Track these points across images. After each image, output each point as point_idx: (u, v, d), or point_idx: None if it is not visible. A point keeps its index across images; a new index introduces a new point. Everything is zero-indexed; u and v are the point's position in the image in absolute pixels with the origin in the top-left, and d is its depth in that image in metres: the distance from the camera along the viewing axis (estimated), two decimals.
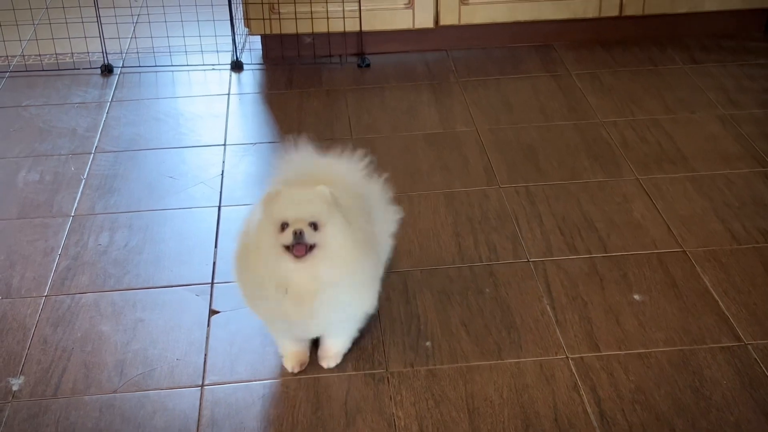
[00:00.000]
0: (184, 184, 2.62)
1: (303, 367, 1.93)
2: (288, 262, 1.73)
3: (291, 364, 1.93)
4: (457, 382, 1.89)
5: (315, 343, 1.97)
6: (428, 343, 2.00)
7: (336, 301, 1.79)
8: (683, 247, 2.27)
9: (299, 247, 1.71)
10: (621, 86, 3.07)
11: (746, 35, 3.34)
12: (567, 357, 1.95)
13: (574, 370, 1.91)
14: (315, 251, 1.73)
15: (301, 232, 1.70)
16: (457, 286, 2.17)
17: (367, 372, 1.93)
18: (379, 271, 1.95)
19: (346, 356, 1.96)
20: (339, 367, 1.94)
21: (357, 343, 2.00)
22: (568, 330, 2.02)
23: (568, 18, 3.30)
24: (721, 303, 2.08)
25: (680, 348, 1.96)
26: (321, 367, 1.94)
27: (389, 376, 1.92)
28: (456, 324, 2.05)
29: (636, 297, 2.11)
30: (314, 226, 1.72)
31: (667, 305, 2.08)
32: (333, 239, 1.73)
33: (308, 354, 1.95)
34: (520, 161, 2.67)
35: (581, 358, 1.94)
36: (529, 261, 2.25)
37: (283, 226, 1.72)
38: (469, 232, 2.36)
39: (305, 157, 1.99)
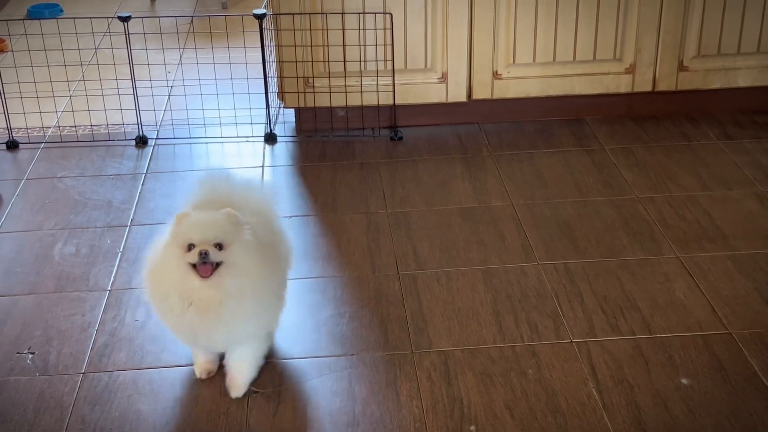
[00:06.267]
0: None
1: (210, 375, 2.10)
2: (194, 280, 1.86)
3: (199, 371, 2.11)
4: None
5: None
6: (473, 428, 1.96)
7: (240, 313, 1.91)
8: (729, 329, 2.23)
9: (205, 267, 1.85)
10: (655, 162, 3.06)
11: None
12: None
13: None
14: (221, 269, 1.87)
15: (206, 253, 1.84)
16: (499, 367, 2.14)
17: None
18: (283, 289, 2.09)
19: None
20: None
21: (399, 426, 1.96)
22: (615, 415, 1.98)
23: (600, 93, 3.31)
24: None
25: None
26: None
27: None
28: (500, 407, 2.01)
29: (683, 381, 2.07)
30: (219, 246, 1.86)
31: (716, 390, 2.04)
32: (238, 257, 1.88)
33: (216, 364, 2.12)
34: (558, 237, 2.65)
35: None
36: (572, 341, 2.21)
37: (190, 247, 1.86)
38: (509, 310, 2.34)
39: (218, 183, 2.14)
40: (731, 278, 2.43)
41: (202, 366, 2.11)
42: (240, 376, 2.05)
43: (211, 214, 1.90)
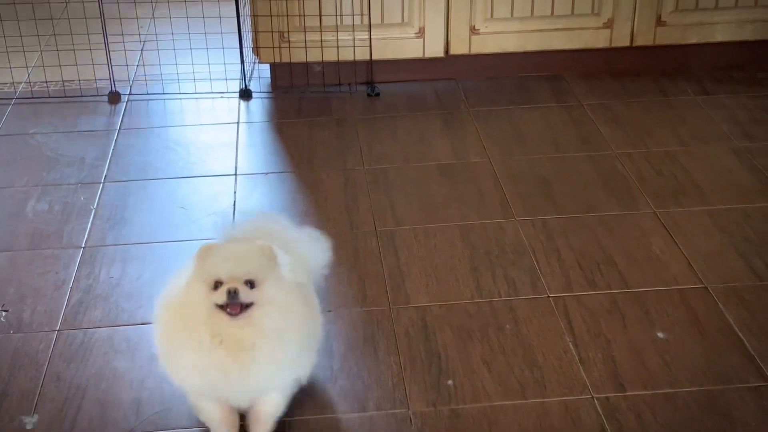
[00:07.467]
0: (196, 215, 2.59)
1: (236, 430, 1.75)
2: (222, 318, 1.60)
3: (224, 429, 1.74)
4: (482, 424, 1.85)
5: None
6: (450, 382, 1.97)
7: (278, 357, 1.65)
8: (704, 283, 2.25)
9: (233, 305, 1.58)
10: (633, 117, 3.06)
11: (757, 66, 3.34)
12: (592, 397, 1.91)
13: (600, 411, 1.87)
14: (252, 309, 1.60)
15: (235, 291, 1.57)
16: (476, 322, 2.14)
17: (388, 412, 1.89)
18: (318, 336, 1.81)
19: (367, 395, 1.93)
20: (359, 407, 1.90)
21: (377, 381, 1.96)
22: (592, 369, 1.99)
23: (578, 48, 3.29)
24: (745, 341, 2.05)
25: (707, 388, 1.92)
26: (342, 407, 1.90)
27: (411, 416, 1.88)
28: (477, 362, 2.02)
29: (659, 335, 2.08)
30: (251, 283, 1.59)
31: (692, 343, 2.06)
32: (272, 297, 1.61)
33: (238, 416, 1.77)
34: (536, 193, 2.64)
35: (607, 398, 1.91)
36: (549, 296, 2.22)
37: (217, 285, 1.59)
38: (487, 266, 2.33)
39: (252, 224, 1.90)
40: (707, 233, 2.44)
41: (226, 422, 1.74)
42: (266, 416, 1.76)
43: (242, 247, 1.65)
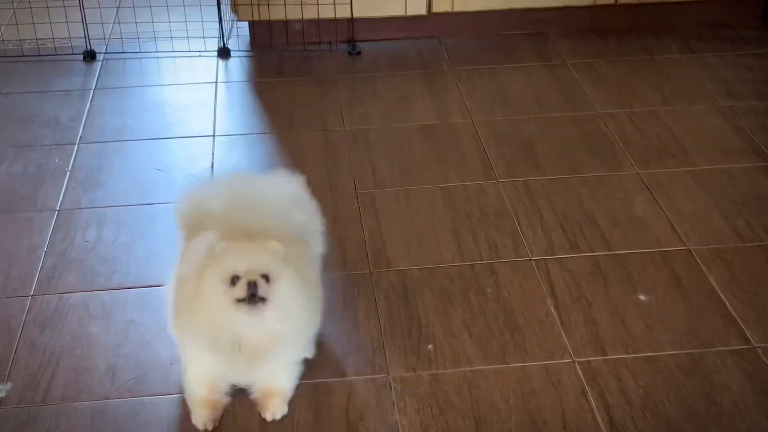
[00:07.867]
0: (173, 177, 2.54)
1: (217, 423, 1.77)
2: (241, 315, 1.64)
3: (204, 420, 1.76)
4: (462, 388, 1.84)
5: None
6: (430, 346, 1.95)
7: (286, 354, 1.77)
8: (687, 245, 2.23)
9: (254, 300, 1.63)
10: (617, 76, 3.02)
11: (743, 24, 3.29)
12: (573, 361, 1.90)
13: (581, 375, 1.86)
14: (266, 308, 1.64)
15: (255, 283, 1.61)
16: (457, 285, 2.12)
17: (368, 377, 1.87)
18: (319, 320, 1.84)
19: (346, 360, 1.91)
20: (339, 372, 1.88)
21: (357, 346, 1.94)
22: (573, 332, 1.97)
23: (562, 5, 3.24)
24: (728, 304, 2.04)
25: (689, 351, 1.91)
26: (321, 372, 1.88)
27: (391, 381, 1.86)
28: (458, 326, 2.00)
29: (641, 297, 2.06)
30: (266, 278, 1.63)
31: (673, 306, 2.04)
32: (285, 294, 1.66)
33: (223, 406, 1.80)
34: (518, 154, 2.61)
35: (588, 362, 1.89)
36: (530, 259, 2.19)
37: (234, 279, 1.63)
38: (469, 229, 2.31)
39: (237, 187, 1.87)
40: (691, 194, 2.42)
41: (209, 412, 1.78)
42: (277, 393, 1.81)
43: (255, 244, 1.66)
